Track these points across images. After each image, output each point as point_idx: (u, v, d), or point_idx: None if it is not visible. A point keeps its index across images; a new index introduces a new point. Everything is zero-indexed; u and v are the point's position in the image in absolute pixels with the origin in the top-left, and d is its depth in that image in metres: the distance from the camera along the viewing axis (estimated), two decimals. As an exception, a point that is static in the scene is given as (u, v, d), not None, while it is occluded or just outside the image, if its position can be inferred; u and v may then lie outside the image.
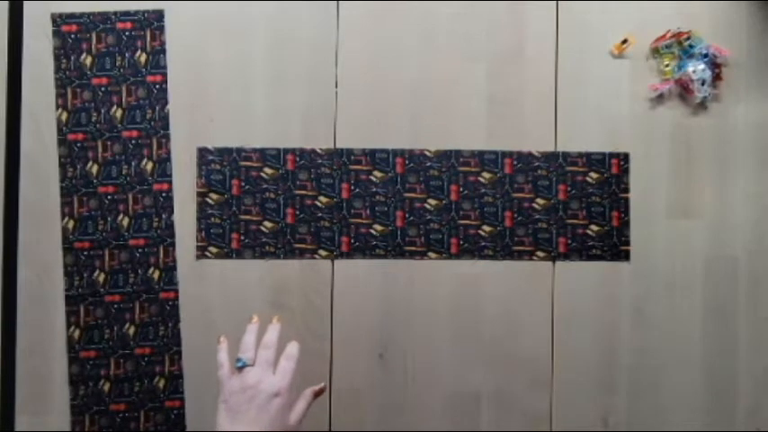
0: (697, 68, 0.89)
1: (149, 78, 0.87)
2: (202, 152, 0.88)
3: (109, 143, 0.87)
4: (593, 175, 0.90)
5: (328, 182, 0.88)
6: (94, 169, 0.87)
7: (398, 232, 0.88)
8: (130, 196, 0.87)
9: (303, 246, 0.88)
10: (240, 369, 0.70)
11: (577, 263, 0.89)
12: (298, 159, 0.88)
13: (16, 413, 0.85)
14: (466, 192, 0.89)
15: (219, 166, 0.87)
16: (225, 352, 0.72)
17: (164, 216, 0.87)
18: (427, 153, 0.89)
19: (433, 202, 0.89)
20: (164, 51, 0.88)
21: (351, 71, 0.89)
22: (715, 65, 0.90)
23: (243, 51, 0.88)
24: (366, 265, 0.88)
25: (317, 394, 0.73)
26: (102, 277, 0.86)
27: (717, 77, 0.90)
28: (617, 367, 0.89)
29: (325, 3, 0.88)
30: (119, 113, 0.87)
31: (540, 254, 0.89)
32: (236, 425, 0.65)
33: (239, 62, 0.88)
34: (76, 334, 0.86)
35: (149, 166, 0.87)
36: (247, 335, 0.73)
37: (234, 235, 0.87)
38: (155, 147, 0.87)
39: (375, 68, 0.89)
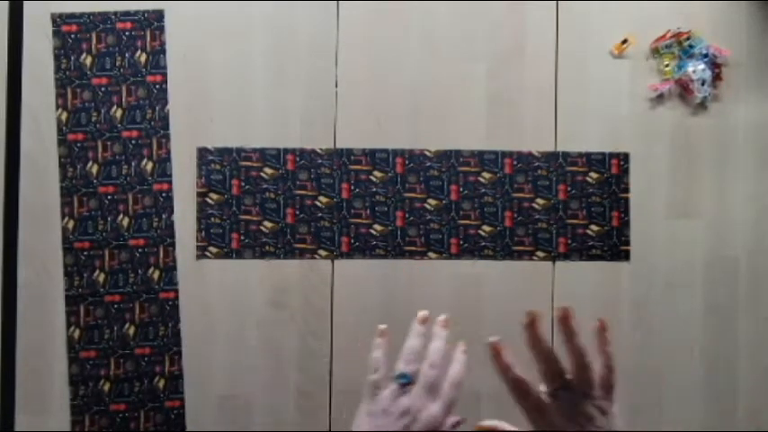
0: (697, 68, 0.89)
1: (149, 78, 0.87)
2: (202, 152, 0.88)
3: (109, 143, 0.87)
4: (593, 175, 0.90)
5: (328, 182, 0.88)
6: (94, 169, 0.87)
7: (398, 232, 0.88)
8: (130, 196, 0.87)
9: (303, 246, 0.88)
10: (400, 384, 0.57)
11: (577, 263, 0.89)
12: (298, 159, 0.88)
13: (16, 413, 0.85)
14: (466, 192, 0.89)
15: (219, 166, 0.87)
16: (382, 351, 0.59)
17: (164, 216, 0.87)
18: (427, 153, 0.89)
19: (433, 202, 0.89)
20: (164, 51, 0.88)
21: (351, 71, 0.89)
22: (715, 65, 0.90)
23: (243, 51, 0.88)
24: (366, 265, 0.88)
25: (455, 426, 0.59)
26: (102, 277, 0.86)
27: (717, 77, 0.90)
28: (619, 368, 0.89)
29: (325, 3, 0.88)
30: (119, 113, 0.87)
31: (540, 254, 0.89)
32: None
33: (239, 62, 0.88)
34: (76, 334, 0.86)
35: (149, 166, 0.87)
36: (413, 339, 0.59)
37: (234, 235, 0.87)
38: (155, 147, 0.87)
39: (375, 68, 0.89)
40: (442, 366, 0.58)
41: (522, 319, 0.57)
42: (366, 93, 0.89)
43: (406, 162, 0.89)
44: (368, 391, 0.57)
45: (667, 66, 0.90)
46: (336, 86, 0.89)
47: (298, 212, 0.88)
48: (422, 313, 0.61)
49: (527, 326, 0.57)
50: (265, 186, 0.88)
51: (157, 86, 0.87)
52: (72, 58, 0.87)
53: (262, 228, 0.88)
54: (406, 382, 0.56)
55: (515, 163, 0.89)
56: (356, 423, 0.55)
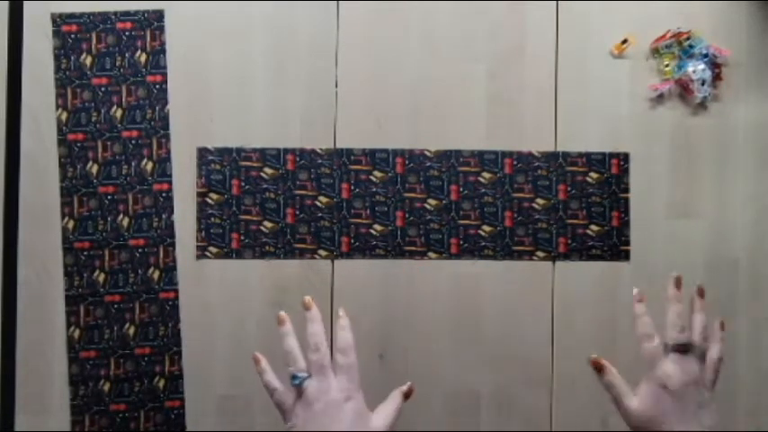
0: (697, 68, 0.89)
1: (149, 78, 0.87)
2: (202, 152, 0.88)
3: (109, 143, 0.87)
4: (593, 175, 0.90)
5: (328, 182, 0.88)
6: (94, 169, 0.87)
7: (398, 232, 0.88)
8: (130, 196, 0.87)
9: (303, 246, 0.88)
10: (298, 387, 0.59)
11: (577, 263, 0.89)
12: (298, 159, 0.88)
13: (16, 413, 0.85)
14: (466, 192, 0.89)
15: (219, 166, 0.87)
16: (270, 372, 0.62)
17: (164, 216, 0.87)
18: (427, 153, 0.89)
19: (433, 202, 0.89)
20: (164, 51, 0.88)
21: (351, 71, 0.89)
22: (715, 65, 0.90)
23: (243, 51, 0.88)
24: (366, 265, 0.88)
25: (407, 395, 0.63)
26: (102, 277, 0.86)
27: (717, 77, 0.90)
28: (617, 367, 0.89)
29: (325, 3, 0.88)
30: (119, 113, 0.87)
31: (540, 254, 0.89)
32: None
33: (239, 62, 0.88)
34: (76, 334, 0.86)
35: (149, 166, 0.87)
36: (287, 341, 0.61)
37: (234, 235, 0.87)
38: (155, 147, 0.87)
39: (375, 68, 0.89)
40: (325, 343, 0.60)
41: (672, 276, 0.63)
42: (366, 93, 0.89)
43: (406, 162, 0.89)
44: (281, 414, 0.59)
45: (667, 66, 0.90)
46: (336, 86, 0.89)
47: (298, 212, 0.88)
48: (280, 314, 0.62)
49: (674, 282, 0.63)
50: (265, 186, 0.88)
51: (157, 86, 0.87)
52: (72, 58, 0.87)
53: (262, 228, 0.88)
54: (301, 381, 0.58)
55: (515, 163, 0.89)
56: None
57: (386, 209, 0.88)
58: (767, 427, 0.89)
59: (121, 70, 0.87)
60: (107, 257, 0.87)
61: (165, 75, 0.88)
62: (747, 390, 0.90)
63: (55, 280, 0.86)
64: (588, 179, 0.90)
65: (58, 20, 0.87)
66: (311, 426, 0.56)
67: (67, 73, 0.87)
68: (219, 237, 0.87)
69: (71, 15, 0.87)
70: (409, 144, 0.89)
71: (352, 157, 0.88)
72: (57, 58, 0.87)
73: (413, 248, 0.88)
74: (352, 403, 0.58)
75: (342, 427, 0.55)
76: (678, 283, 0.62)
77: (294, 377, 0.59)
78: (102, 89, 0.87)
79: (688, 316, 0.63)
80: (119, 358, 0.86)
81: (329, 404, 0.57)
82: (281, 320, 0.62)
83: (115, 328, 0.86)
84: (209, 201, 0.87)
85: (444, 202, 0.89)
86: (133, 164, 0.87)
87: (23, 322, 0.86)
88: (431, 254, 0.88)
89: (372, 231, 0.88)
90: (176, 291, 0.87)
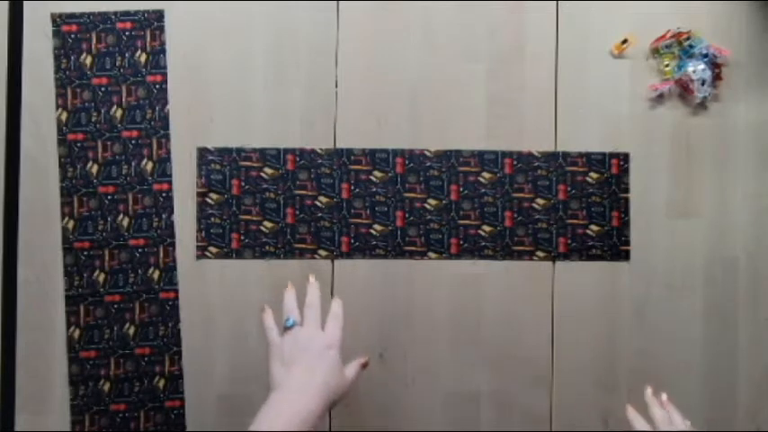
0: (697, 68, 0.89)
1: (149, 78, 0.87)
2: (202, 152, 0.88)
3: (109, 143, 0.87)
4: (593, 175, 0.90)
5: (328, 182, 0.88)
6: (94, 169, 0.87)
7: (398, 232, 0.88)
8: (130, 196, 0.87)
9: (303, 246, 0.88)
10: (289, 328, 0.69)
11: (577, 263, 0.89)
12: (298, 159, 0.88)
13: (16, 413, 0.85)
14: (466, 192, 0.89)
15: (219, 166, 0.87)
16: (271, 318, 0.72)
17: (164, 216, 0.87)
18: (427, 153, 0.89)
19: (433, 202, 0.89)
20: (164, 51, 0.88)
21: (351, 71, 0.89)
22: (715, 65, 0.90)
23: (243, 51, 0.88)
24: (366, 265, 0.88)
25: (364, 366, 0.73)
26: (102, 277, 0.86)
27: (717, 77, 0.90)
28: (617, 367, 0.89)
29: (325, 3, 0.88)
30: (119, 113, 0.87)
31: (540, 254, 0.89)
32: (292, 372, 0.64)
33: (239, 62, 0.88)
34: (76, 334, 0.86)
35: (149, 166, 0.87)
36: (287, 299, 0.72)
37: (234, 235, 0.87)
38: (155, 147, 0.87)
39: (375, 68, 0.89)
40: (319, 306, 0.71)
41: (648, 388, 0.74)
42: (366, 93, 0.89)
43: (406, 162, 0.89)
44: (270, 348, 0.69)
45: (667, 66, 0.90)
46: (336, 86, 0.89)
47: (298, 212, 0.88)
48: (289, 283, 0.74)
49: (650, 392, 0.75)
50: (265, 186, 0.88)
51: (157, 86, 0.87)
52: (72, 58, 0.87)
53: (262, 228, 0.88)
54: (293, 324, 0.69)
55: (515, 163, 0.89)
56: (271, 375, 0.66)
57: (386, 209, 0.88)
58: (767, 427, 0.90)
59: (121, 70, 0.87)
60: (107, 257, 0.87)
61: (165, 75, 0.88)
62: (747, 390, 0.90)
63: (55, 280, 0.86)
64: (588, 179, 0.90)
65: (58, 20, 0.87)
66: (296, 359, 0.65)
67: (67, 73, 0.87)
68: (219, 237, 0.87)
69: (71, 15, 0.87)
70: (409, 144, 0.89)
71: (352, 157, 0.88)
72: (57, 58, 0.87)
73: (413, 248, 0.88)
74: (333, 351, 0.67)
75: (323, 368, 0.65)
76: (653, 392, 0.74)
77: (287, 319, 0.69)
78: (102, 89, 0.87)
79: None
80: (119, 358, 0.86)
81: (315, 346, 0.67)
82: (288, 287, 0.73)
83: (115, 328, 0.86)
84: (209, 201, 0.87)
85: (444, 202, 0.89)
86: (133, 164, 0.87)
87: (23, 322, 0.86)
88: (431, 254, 0.88)
89: (372, 231, 0.88)
90: (176, 291, 0.87)
